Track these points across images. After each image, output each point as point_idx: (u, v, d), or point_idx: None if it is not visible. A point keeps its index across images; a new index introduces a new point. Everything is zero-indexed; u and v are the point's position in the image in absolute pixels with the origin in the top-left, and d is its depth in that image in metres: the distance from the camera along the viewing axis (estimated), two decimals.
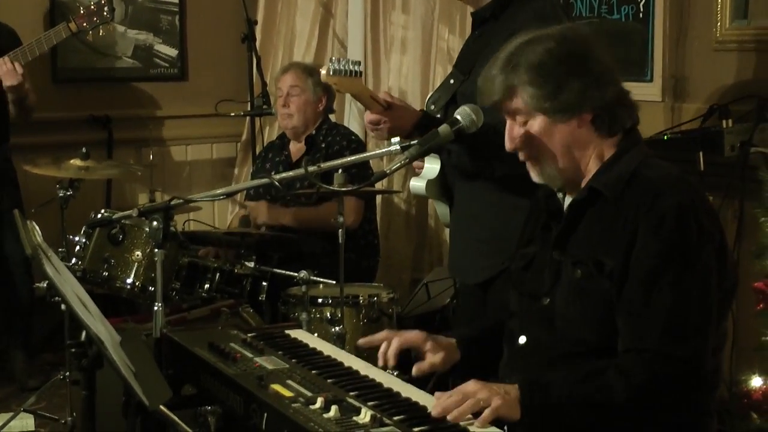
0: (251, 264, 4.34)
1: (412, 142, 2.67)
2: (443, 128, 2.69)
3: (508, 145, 2.41)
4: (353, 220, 4.69)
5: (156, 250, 2.84)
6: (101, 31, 5.03)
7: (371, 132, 3.33)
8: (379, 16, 5.72)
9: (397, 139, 2.80)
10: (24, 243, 2.36)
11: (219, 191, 2.97)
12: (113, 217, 3.13)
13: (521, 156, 2.42)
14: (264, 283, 4.40)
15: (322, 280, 4.20)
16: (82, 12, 4.96)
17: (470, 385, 2.18)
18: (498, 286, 3.14)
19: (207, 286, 4.34)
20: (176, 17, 6.31)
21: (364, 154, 3.05)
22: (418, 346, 2.55)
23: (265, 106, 5.45)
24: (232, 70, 6.36)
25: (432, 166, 3.30)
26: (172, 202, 2.85)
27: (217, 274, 4.35)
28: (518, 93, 2.35)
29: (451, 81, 3.30)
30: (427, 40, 5.48)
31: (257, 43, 5.85)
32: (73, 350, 2.35)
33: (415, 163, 3.30)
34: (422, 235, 5.58)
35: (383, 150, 2.77)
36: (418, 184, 3.38)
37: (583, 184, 2.39)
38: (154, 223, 2.85)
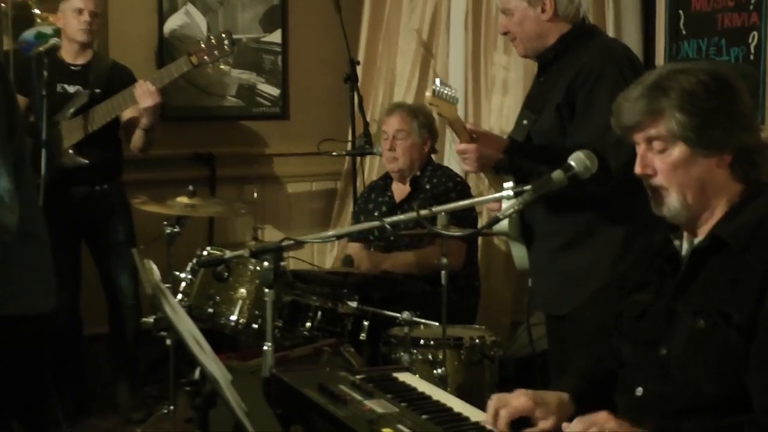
0: (354, 304, 4.35)
1: (525, 188, 2.68)
2: (557, 174, 2.69)
3: (638, 170, 2.36)
4: (456, 262, 4.68)
5: (266, 290, 2.86)
6: (222, 64, 5.13)
7: (461, 160, 3.41)
8: (480, 57, 5.72)
9: (509, 183, 2.82)
10: (144, 282, 2.39)
11: (330, 233, 3.01)
12: (225, 256, 3.16)
13: (647, 184, 2.38)
14: (365, 323, 4.41)
15: (424, 321, 4.20)
16: (202, 45, 5.06)
17: (601, 416, 2.15)
18: (576, 317, 3.17)
19: (309, 324, 4.36)
20: (279, 57, 6.41)
21: (477, 199, 3.06)
22: (528, 415, 2.49)
23: (366, 146, 5.50)
24: (332, 109, 6.43)
25: (511, 202, 3.32)
26: (283, 243, 2.89)
27: (319, 313, 4.37)
28: (664, 118, 2.30)
29: (524, 121, 3.39)
30: (529, 81, 5.42)
31: (359, 83, 5.89)
32: (188, 389, 2.38)
33: (492, 205, 3.35)
34: (523, 277, 5.53)
35: (496, 194, 2.79)
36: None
37: (704, 228, 2.35)
38: (265, 263, 2.88)
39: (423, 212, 2.73)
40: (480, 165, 3.30)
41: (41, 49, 5.00)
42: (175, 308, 2.50)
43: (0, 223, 3.09)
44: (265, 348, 2.84)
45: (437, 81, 3.20)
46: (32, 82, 5.06)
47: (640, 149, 2.36)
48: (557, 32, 3.37)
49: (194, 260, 4.43)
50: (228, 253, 3.13)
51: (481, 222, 5.19)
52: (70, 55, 5.20)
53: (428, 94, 3.16)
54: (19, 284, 3.26)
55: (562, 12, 3.36)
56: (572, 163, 2.73)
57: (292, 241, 2.88)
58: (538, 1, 3.36)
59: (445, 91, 3.13)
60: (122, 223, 5.26)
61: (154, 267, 2.65)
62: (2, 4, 5.46)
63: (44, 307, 3.38)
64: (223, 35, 5.07)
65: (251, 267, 4.29)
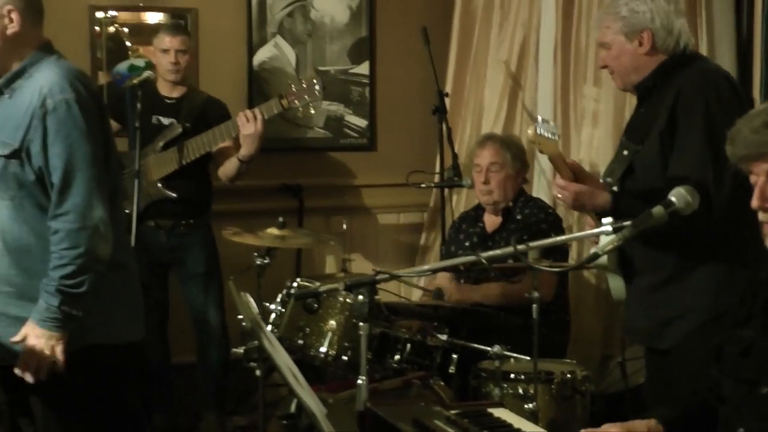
0: (444, 336, 4.33)
1: (625, 223, 2.65)
2: (657, 210, 2.66)
3: (755, 203, 2.32)
4: (547, 294, 4.65)
5: (360, 323, 2.86)
6: (311, 109, 5.17)
7: (557, 195, 3.38)
8: (570, 89, 5.68)
9: (608, 219, 2.78)
10: (243, 315, 2.40)
11: (425, 267, 3.01)
12: (319, 289, 3.17)
13: (763, 217, 2.33)
14: (454, 356, 4.38)
15: (515, 355, 4.16)
16: (293, 89, 5.10)
17: None
18: (679, 352, 3.12)
19: (398, 356, 4.34)
20: (366, 89, 6.43)
21: (575, 234, 3.04)
22: None
23: (455, 178, 5.48)
24: (420, 140, 6.44)
25: (610, 238, 3.28)
26: (378, 276, 2.88)
27: (408, 345, 4.35)
28: None
29: (625, 152, 3.33)
30: (620, 113, 5.41)
31: (447, 115, 5.88)
32: (284, 422, 2.39)
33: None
34: (613, 311, 5.47)
35: (595, 230, 2.75)
36: None
37: None
38: (360, 297, 2.88)
39: (520, 247, 2.70)
40: (576, 205, 3.27)
41: (135, 81, 5.09)
42: (272, 342, 2.51)
43: (94, 252, 3.15)
44: (359, 382, 2.82)
45: (539, 118, 3.19)
46: (126, 114, 5.17)
47: (759, 180, 2.31)
48: (655, 65, 3.33)
49: (284, 291, 4.45)
50: (322, 286, 3.12)
51: (572, 254, 5.16)
52: (165, 88, 5.30)
53: (530, 132, 3.14)
54: (108, 313, 3.31)
55: (660, 45, 3.31)
56: (673, 199, 2.69)
57: (386, 275, 2.88)
58: (635, 35, 3.31)
59: (547, 129, 3.12)
60: (207, 254, 5.31)
61: (251, 300, 2.68)
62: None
63: (133, 336, 3.43)
64: (314, 80, 5.12)
65: (341, 299, 4.30)
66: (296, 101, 5.07)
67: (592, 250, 2.68)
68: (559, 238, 3.24)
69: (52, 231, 3.14)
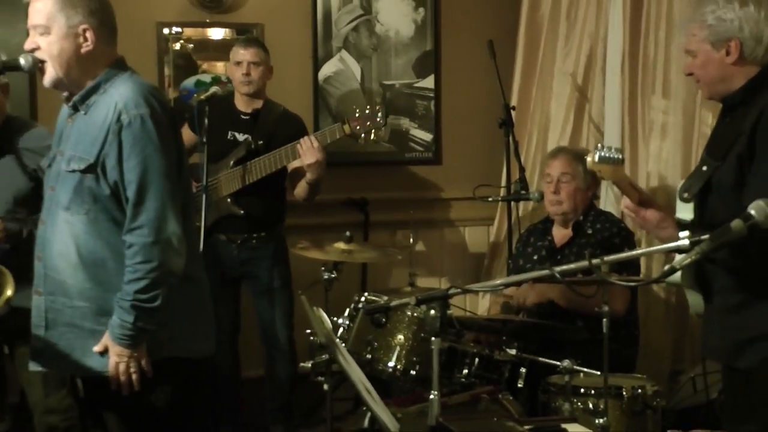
0: (513, 351, 4.30)
1: (703, 237, 2.60)
2: (736, 224, 2.60)
3: None
4: (621, 309, 4.60)
5: (432, 338, 2.85)
6: (372, 136, 5.18)
7: (628, 216, 3.33)
8: (638, 101, 5.62)
9: (685, 233, 2.73)
10: (316, 330, 2.41)
11: (498, 282, 2.97)
12: (391, 304, 3.16)
13: None
14: (522, 370, 4.35)
15: (585, 369, 4.12)
16: (357, 115, 5.11)
17: None
18: (761, 371, 3.05)
19: (466, 371, 4.31)
20: (432, 102, 6.43)
21: (651, 248, 2.98)
22: None
23: (523, 191, 5.46)
24: (485, 154, 6.42)
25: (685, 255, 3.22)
26: (450, 291, 2.87)
27: (476, 360, 4.33)
28: None
29: (704, 168, 3.23)
30: (689, 125, 5.36)
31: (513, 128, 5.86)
32: None
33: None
34: (683, 325, 5.41)
35: (671, 245, 2.71)
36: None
37: None
38: (432, 311, 2.87)
39: (595, 261, 2.67)
40: (646, 229, 3.22)
41: (201, 97, 5.13)
42: (346, 357, 2.51)
43: (167, 266, 3.18)
44: (431, 397, 2.81)
45: (598, 145, 3.11)
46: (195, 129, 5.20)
47: None
48: (744, 76, 3.18)
49: (352, 306, 4.45)
50: (393, 301, 3.11)
51: (643, 268, 5.10)
52: (241, 103, 5.32)
53: (589, 159, 3.08)
54: (183, 327, 3.33)
55: (748, 55, 3.16)
56: (752, 212, 2.62)
57: (459, 289, 2.86)
58: (722, 43, 3.17)
59: (608, 154, 3.05)
60: (279, 269, 5.32)
61: (324, 315, 2.68)
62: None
63: (204, 350, 3.45)
64: (378, 107, 5.13)
65: (409, 313, 4.28)
66: (358, 128, 5.09)
67: (667, 267, 2.62)
68: (635, 252, 3.19)
69: (127, 245, 3.17)
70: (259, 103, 5.32)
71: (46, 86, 3.32)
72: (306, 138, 5.05)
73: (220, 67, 5.95)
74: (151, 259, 3.15)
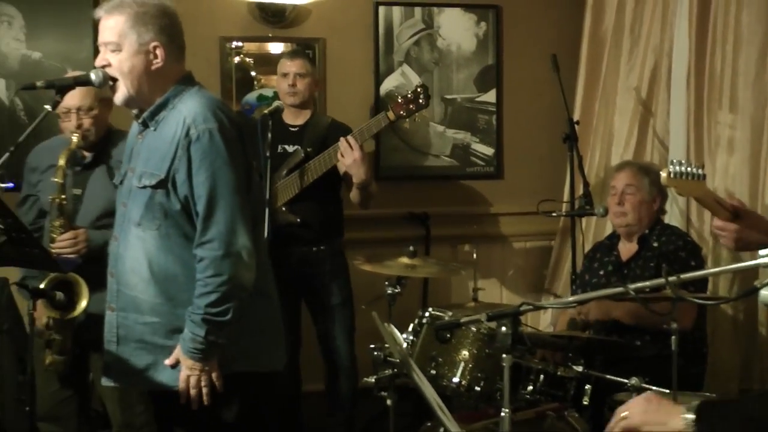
0: (579, 368, 4.24)
1: None
2: None
3: None
4: (688, 325, 4.53)
5: (504, 355, 2.82)
6: (417, 118, 5.12)
7: (718, 237, 3.25)
8: (704, 115, 5.55)
9: (767, 251, 2.67)
10: (390, 346, 2.39)
11: (571, 299, 2.94)
12: (461, 320, 3.13)
13: None
14: (587, 387, 4.30)
15: (654, 387, 4.05)
16: (399, 100, 5.07)
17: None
18: None
19: (531, 387, 4.27)
20: (493, 117, 6.41)
21: (732, 266, 2.92)
22: None
23: (587, 206, 5.40)
24: (547, 168, 6.39)
25: None
26: (522, 308, 2.84)
27: (541, 376, 4.29)
28: None
29: None
30: (757, 140, 5.28)
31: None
32: None
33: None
34: (752, 343, 5.32)
35: (753, 262, 2.65)
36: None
37: None
38: (503, 328, 2.84)
39: (671, 278, 2.63)
40: (740, 246, 3.13)
41: (265, 111, 5.12)
42: (418, 373, 2.49)
43: (237, 280, 3.18)
44: (502, 414, 2.78)
45: (674, 160, 3.07)
46: (256, 144, 5.19)
47: None
48: None
49: (416, 321, 4.42)
50: (464, 317, 3.08)
51: (711, 285, 5.03)
52: (289, 116, 5.29)
53: (663, 175, 3.02)
54: (253, 341, 3.33)
55: None
56: None
57: (531, 306, 2.83)
58: None
59: (685, 170, 2.98)
60: (340, 284, 5.28)
61: (396, 331, 2.66)
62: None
63: (275, 364, 3.45)
64: (419, 89, 5.07)
65: (473, 329, 4.25)
66: (402, 112, 5.03)
67: (755, 284, 2.56)
68: (713, 270, 3.15)
69: (197, 259, 3.18)
70: (306, 115, 5.30)
71: (117, 103, 3.33)
72: (344, 138, 5.00)
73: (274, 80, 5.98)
74: (221, 273, 3.15)
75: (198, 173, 3.16)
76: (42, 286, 3.87)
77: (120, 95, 3.28)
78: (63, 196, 3.93)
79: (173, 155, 3.19)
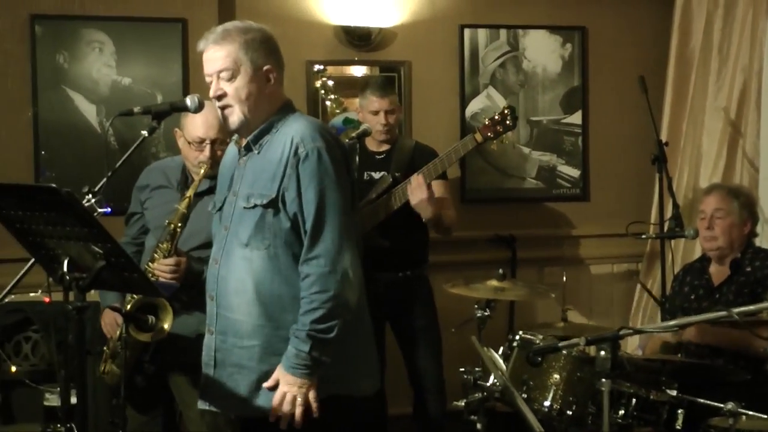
0: (673, 392, 4.18)
1: None
2: None
3: None
4: None
5: (603, 380, 2.79)
6: (505, 140, 5.11)
7: None
8: None
9: None
10: (491, 371, 2.38)
11: (672, 323, 2.91)
12: (559, 344, 3.12)
13: None
14: (680, 411, 4.23)
15: (751, 413, 3.99)
16: (486, 122, 5.06)
17: None
18: None
19: (622, 411, 4.22)
20: (579, 138, 6.38)
21: None
22: None
23: (677, 228, 5.34)
24: (634, 190, 6.36)
25: None
26: (621, 332, 2.81)
27: (633, 400, 4.23)
28: None
29: None
30: None
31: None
32: None
33: None
34: None
35: None
36: None
37: None
38: (602, 352, 2.82)
39: None
40: None
41: (353, 135, 5.14)
42: (521, 400, 2.48)
43: (342, 297, 3.18)
44: None
45: None
46: None
47: None
48: None
49: (506, 344, 4.40)
50: (563, 342, 3.07)
51: None
52: (373, 143, 5.28)
53: None
54: (349, 364, 3.33)
55: None
56: None
57: (630, 330, 2.80)
58: None
59: None
60: (425, 307, 5.27)
61: (497, 356, 2.65)
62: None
63: (370, 388, 3.43)
64: (506, 110, 5.06)
65: (564, 352, 4.22)
66: (489, 134, 5.01)
67: None
68: None
69: (303, 275, 3.19)
70: (391, 141, 5.30)
71: (231, 129, 3.37)
72: (414, 176, 4.98)
73: (356, 103, 5.99)
74: (327, 289, 3.16)
75: (307, 191, 3.19)
76: (128, 307, 3.93)
77: (236, 120, 3.31)
78: (180, 224, 3.97)
79: (282, 174, 3.22)
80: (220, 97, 3.29)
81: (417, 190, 4.94)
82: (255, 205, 3.26)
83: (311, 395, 3.20)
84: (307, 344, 3.15)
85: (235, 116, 3.30)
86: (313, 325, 3.15)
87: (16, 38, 5.50)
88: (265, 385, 3.24)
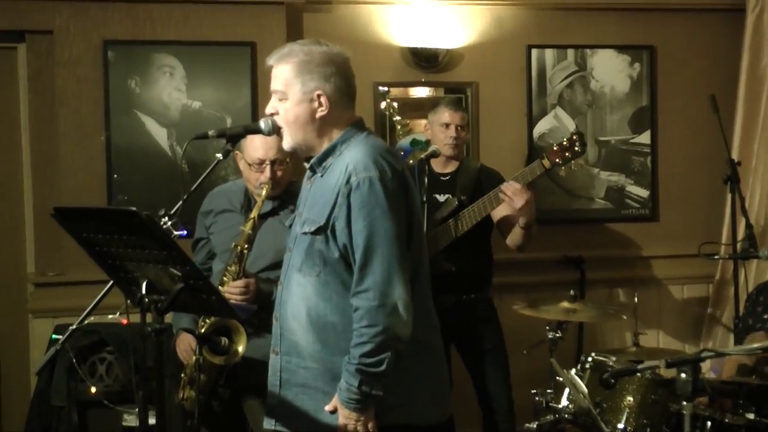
0: (751, 415, 4.12)
1: None
2: None
3: None
4: None
5: (684, 402, 2.76)
6: (573, 166, 5.07)
7: None
8: None
9: None
10: (573, 395, 2.36)
11: (756, 345, 2.86)
12: (638, 367, 3.08)
13: None
14: None
15: None
16: (554, 148, 5.02)
17: None
18: None
19: None
20: (648, 158, 6.33)
21: None
22: None
23: (751, 249, 5.28)
24: (704, 210, 6.30)
25: None
26: (703, 354, 2.78)
27: (708, 423, 4.18)
28: None
29: None
30: None
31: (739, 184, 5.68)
32: None
33: None
34: None
35: None
36: None
37: None
38: (683, 375, 2.79)
39: None
40: None
41: (421, 156, 5.13)
42: (602, 424, 2.46)
43: (392, 331, 3.12)
44: None
45: None
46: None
47: None
48: None
49: (578, 366, 4.37)
50: (644, 363, 3.04)
51: None
52: (439, 164, 5.24)
53: None
54: (411, 394, 3.27)
55: None
56: None
57: (712, 353, 2.77)
58: None
59: None
60: (491, 329, 5.23)
61: (577, 379, 2.63)
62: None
63: (435, 417, 3.35)
64: (575, 136, 5.01)
65: (638, 374, 4.18)
66: (558, 160, 4.97)
67: None
68: None
69: (354, 308, 3.15)
70: (456, 163, 5.28)
71: (286, 149, 3.38)
72: (507, 183, 4.93)
73: (420, 124, 6.01)
74: (376, 324, 3.10)
75: (356, 221, 3.14)
76: (202, 330, 3.95)
77: (286, 143, 3.31)
78: (246, 246, 3.99)
79: (334, 202, 3.19)
80: (272, 115, 3.30)
81: (518, 195, 4.85)
82: (306, 232, 3.25)
83: (370, 425, 3.17)
84: (357, 379, 3.11)
85: (286, 137, 3.30)
86: (362, 359, 3.11)
87: (89, 64, 5.59)
88: (327, 408, 3.22)
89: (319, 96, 3.25)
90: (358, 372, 3.11)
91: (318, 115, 3.26)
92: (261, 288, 3.98)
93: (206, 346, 3.89)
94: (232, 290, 3.92)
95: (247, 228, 3.99)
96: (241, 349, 3.96)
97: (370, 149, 3.25)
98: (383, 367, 3.12)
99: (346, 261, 3.19)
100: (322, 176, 3.31)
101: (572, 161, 5.00)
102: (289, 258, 3.37)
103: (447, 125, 5.18)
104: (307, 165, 3.40)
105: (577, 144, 4.97)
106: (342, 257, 3.20)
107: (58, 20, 5.54)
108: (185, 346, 4.17)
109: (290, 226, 3.45)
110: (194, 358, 3.98)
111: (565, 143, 4.98)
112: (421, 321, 3.26)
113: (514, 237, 5.05)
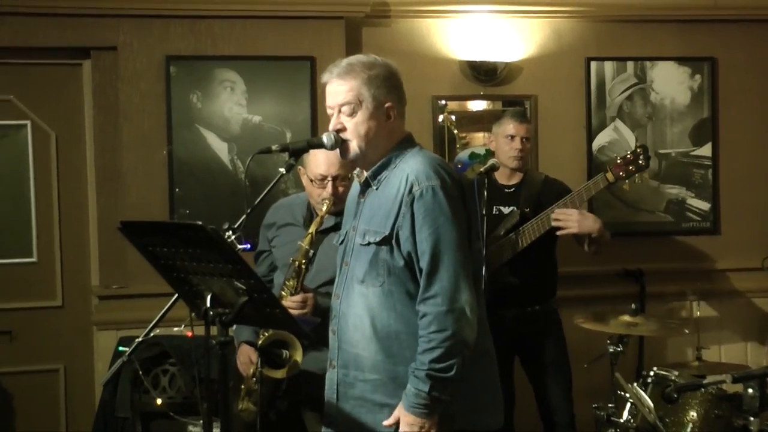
0: None
1: None
2: None
3: None
4: None
5: (751, 418, 2.73)
6: (637, 180, 5.04)
7: None
8: None
9: None
10: (640, 409, 2.35)
11: None
12: (704, 382, 3.06)
13: None
14: None
15: None
16: (618, 161, 5.00)
17: None
18: None
19: None
20: (709, 171, 6.28)
21: None
22: None
23: None
24: (767, 224, 6.21)
25: None
26: None
27: None
28: None
29: None
30: None
31: None
32: None
33: None
34: None
35: None
36: None
37: None
38: (749, 390, 2.76)
39: None
40: None
41: (480, 170, 5.12)
42: None
43: (460, 336, 3.15)
44: None
45: None
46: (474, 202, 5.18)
47: None
48: None
49: (640, 380, 4.34)
50: (710, 378, 3.02)
51: None
52: (503, 176, 5.24)
53: None
54: (473, 400, 3.30)
55: None
56: None
57: None
58: None
59: None
60: (554, 342, 5.20)
61: (643, 393, 2.62)
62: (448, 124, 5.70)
63: (494, 424, 3.38)
64: (639, 150, 4.99)
65: (702, 389, 4.14)
66: (621, 173, 4.95)
67: None
68: None
69: (421, 315, 3.18)
70: (520, 175, 5.27)
71: (345, 159, 3.40)
72: (558, 210, 4.91)
73: (478, 138, 6.01)
74: (445, 328, 3.14)
75: (421, 230, 3.18)
76: (262, 342, 3.98)
77: (351, 153, 3.33)
78: (304, 261, 4.02)
79: (397, 212, 3.23)
80: (339, 131, 3.32)
81: (569, 221, 4.89)
82: (369, 243, 3.27)
83: None
84: (427, 384, 3.13)
85: (352, 150, 3.31)
86: (432, 365, 3.13)
87: (152, 79, 5.65)
88: (385, 423, 3.24)
89: (389, 108, 3.30)
90: (428, 377, 3.14)
91: (387, 127, 3.31)
92: (319, 302, 4.00)
93: (264, 360, 3.92)
94: (290, 305, 3.94)
95: (305, 243, 4.01)
96: (298, 358, 3.99)
97: (428, 160, 3.31)
98: (453, 372, 3.15)
99: (411, 270, 3.23)
100: (377, 189, 3.34)
101: (636, 175, 4.98)
102: (345, 271, 3.39)
103: (512, 137, 5.17)
104: (358, 180, 3.43)
105: (641, 157, 4.95)
106: (407, 266, 3.24)
107: (122, 37, 5.61)
108: (245, 358, 4.21)
109: (342, 241, 3.48)
110: (252, 370, 4.02)
111: (629, 156, 4.96)
112: (481, 327, 3.29)
113: (587, 248, 5.04)
